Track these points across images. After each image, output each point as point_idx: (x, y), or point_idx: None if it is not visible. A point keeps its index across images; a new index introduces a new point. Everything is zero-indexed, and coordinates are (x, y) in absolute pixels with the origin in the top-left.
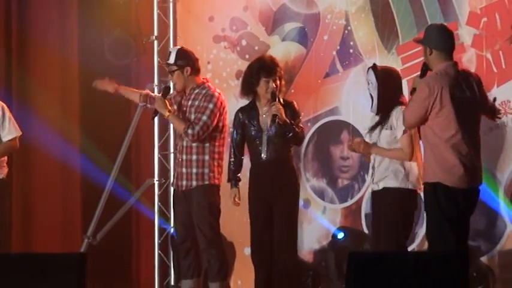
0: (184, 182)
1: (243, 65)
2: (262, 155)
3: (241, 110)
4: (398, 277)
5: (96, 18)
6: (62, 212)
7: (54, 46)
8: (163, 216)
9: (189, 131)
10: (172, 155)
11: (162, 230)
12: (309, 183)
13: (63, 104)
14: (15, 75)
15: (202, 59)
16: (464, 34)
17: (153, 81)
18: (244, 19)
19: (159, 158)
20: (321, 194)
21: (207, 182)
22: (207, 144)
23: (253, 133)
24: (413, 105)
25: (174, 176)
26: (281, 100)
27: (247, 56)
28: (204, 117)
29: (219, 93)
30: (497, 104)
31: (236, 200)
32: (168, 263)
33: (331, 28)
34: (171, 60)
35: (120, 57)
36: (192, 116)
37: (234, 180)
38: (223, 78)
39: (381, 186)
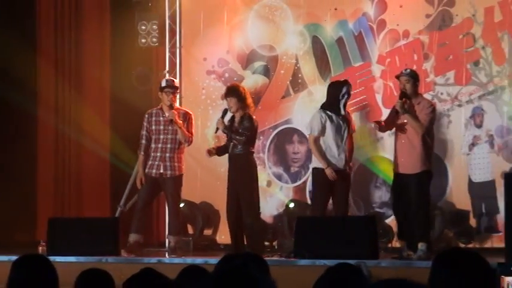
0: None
1: None
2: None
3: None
4: (330, 233)
5: (127, 57)
6: (98, 188)
7: (95, 74)
8: None
9: None
10: None
11: None
12: (271, 170)
13: (100, 116)
14: (67, 93)
15: (198, 87)
16: (375, 69)
17: None
18: (227, 59)
19: None
20: (279, 177)
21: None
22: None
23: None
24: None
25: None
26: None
27: (228, 84)
28: None
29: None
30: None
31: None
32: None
33: (286, 65)
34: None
35: (143, 84)
36: None
37: None
38: (212, 99)
39: None
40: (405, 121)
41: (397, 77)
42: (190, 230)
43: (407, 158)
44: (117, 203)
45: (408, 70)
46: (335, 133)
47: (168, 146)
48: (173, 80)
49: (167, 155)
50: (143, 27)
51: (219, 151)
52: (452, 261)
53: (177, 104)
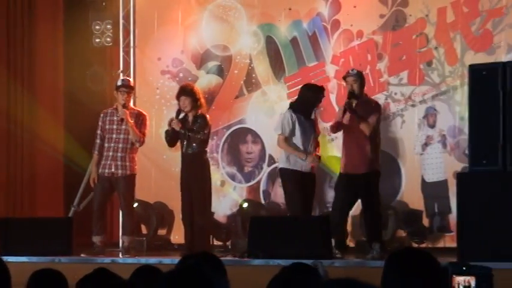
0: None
1: None
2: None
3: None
4: (284, 233)
5: (81, 57)
6: (51, 188)
7: (49, 74)
8: None
9: None
10: None
11: None
12: (224, 170)
13: (54, 116)
14: (20, 93)
15: (153, 86)
16: (329, 69)
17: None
18: (181, 59)
19: None
20: (232, 177)
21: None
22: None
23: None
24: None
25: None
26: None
27: (182, 84)
28: None
29: None
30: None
31: None
32: None
33: (240, 65)
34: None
35: (97, 84)
36: None
37: None
38: (167, 99)
39: None
40: (353, 121)
41: (344, 78)
42: (144, 230)
43: (356, 158)
44: (71, 203)
45: (355, 71)
46: (302, 135)
47: (120, 145)
48: (129, 80)
49: (119, 154)
50: (97, 27)
51: (173, 135)
52: (404, 261)
53: (132, 104)
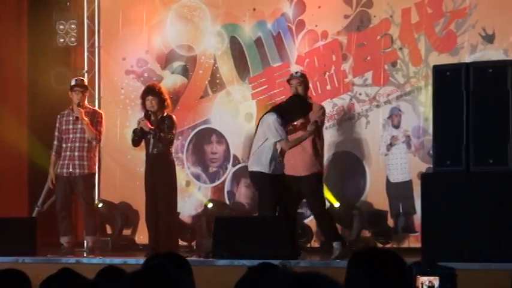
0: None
1: None
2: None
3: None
4: (249, 233)
5: (45, 57)
6: (15, 189)
7: (12, 74)
8: None
9: None
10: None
11: None
12: (189, 170)
13: (17, 116)
14: None
15: (117, 86)
16: (294, 70)
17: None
18: (146, 59)
19: None
20: (197, 177)
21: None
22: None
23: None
24: None
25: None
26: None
27: (148, 84)
28: None
29: None
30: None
31: None
32: None
33: (204, 65)
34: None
35: (61, 84)
36: None
37: None
38: (131, 99)
39: None
40: (297, 124)
41: (288, 81)
42: (109, 230)
43: (299, 161)
44: (35, 203)
45: (299, 73)
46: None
47: (77, 144)
48: (82, 80)
49: (76, 153)
50: (61, 27)
51: (141, 135)
52: (367, 261)
53: (97, 105)
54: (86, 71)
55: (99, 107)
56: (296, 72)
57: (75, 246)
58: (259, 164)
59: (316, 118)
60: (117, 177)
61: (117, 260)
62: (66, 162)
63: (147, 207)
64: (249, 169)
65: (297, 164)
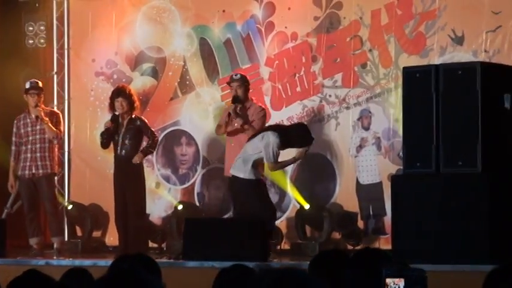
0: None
1: None
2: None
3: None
4: (219, 235)
5: (14, 58)
6: None
7: None
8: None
9: None
10: (66, 154)
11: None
12: (159, 172)
13: None
14: None
15: (87, 88)
16: (264, 71)
17: (53, 103)
18: (115, 60)
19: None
20: (167, 179)
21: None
22: None
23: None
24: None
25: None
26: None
27: (117, 85)
28: None
29: None
30: (284, 119)
31: None
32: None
33: (174, 67)
34: None
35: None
36: None
37: None
38: (101, 100)
39: None
40: (237, 126)
41: (228, 83)
42: (79, 232)
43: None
44: (4, 204)
45: (239, 75)
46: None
47: (38, 145)
48: (37, 82)
49: (38, 154)
50: (30, 28)
51: (109, 138)
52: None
53: (66, 106)
54: (55, 73)
55: (68, 109)
56: (236, 75)
57: (45, 248)
58: (240, 169)
59: (254, 119)
60: (87, 179)
61: (87, 262)
62: (28, 163)
63: (116, 209)
64: (231, 173)
65: (236, 165)
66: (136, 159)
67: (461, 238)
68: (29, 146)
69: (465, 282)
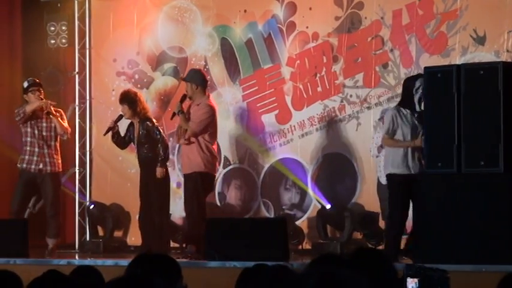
0: None
1: None
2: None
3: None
4: (241, 235)
5: (36, 58)
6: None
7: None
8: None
9: None
10: (88, 153)
11: (80, 203)
12: (181, 172)
13: (9, 118)
14: None
15: (108, 88)
16: (285, 71)
17: (75, 102)
18: (137, 60)
19: (79, 155)
20: None
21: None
22: None
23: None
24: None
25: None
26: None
27: (138, 86)
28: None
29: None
30: (305, 118)
31: None
32: (84, 225)
33: (195, 67)
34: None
35: (52, 85)
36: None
37: None
38: None
39: None
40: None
41: (183, 79)
42: (100, 232)
43: (185, 159)
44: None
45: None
46: (409, 133)
47: (48, 142)
48: (33, 79)
49: (45, 150)
50: (52, 28)
51: (118, 139)
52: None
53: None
54: (77, 72)
55: (90, 108)
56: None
57: (60, 248)
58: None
59: (197, 117)
60: (108, 179)
61: (108, 262)
62: (35, 158)
63: (142, 209)
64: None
65: (185, 163)
66: (158, 174)
67: (482, 238)
68: (37, 141)
69: (487, 282)
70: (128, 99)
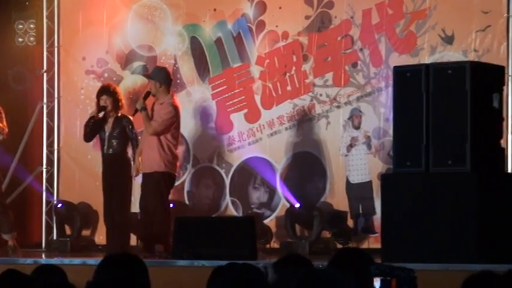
0: None
1: None
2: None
3: None
4: (209, 234)
5: (4, 56)
6: None
7: None
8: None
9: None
10: (55, 151)
11: (47, 202)
12: None
13: None
14: None
15: (77, 86)
16: (254, 70)
17: (43, 101)
18: (106, 59)
19: (46, 153)
20: None
21: None
22: None
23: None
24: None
25: None
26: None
27: (103, 83)
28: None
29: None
30: (275, 117)
31: None
32: (51, 224)
33: (165, 66)
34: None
35: (19, 84)
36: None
37: None
38: (91, 99)
39: None
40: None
41: (147, 77)
42: (68, 231)
43: (146, 158)
44: None
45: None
46: None
47: None
48: None
49: None
50: (20, 26)
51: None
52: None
53: (55, 105)
54: (45, 71)
55: (58, 107)
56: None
57: (28, 247)
58: None
59: (159, 116)
60: (76, 177)
61: (76, 261)
62: None
63: (105, 207)
64: None
65: (145, 162)
66: (135, 174)
67: (450, 237)
68: None
69: (453, 281)
70: (110, 91)
